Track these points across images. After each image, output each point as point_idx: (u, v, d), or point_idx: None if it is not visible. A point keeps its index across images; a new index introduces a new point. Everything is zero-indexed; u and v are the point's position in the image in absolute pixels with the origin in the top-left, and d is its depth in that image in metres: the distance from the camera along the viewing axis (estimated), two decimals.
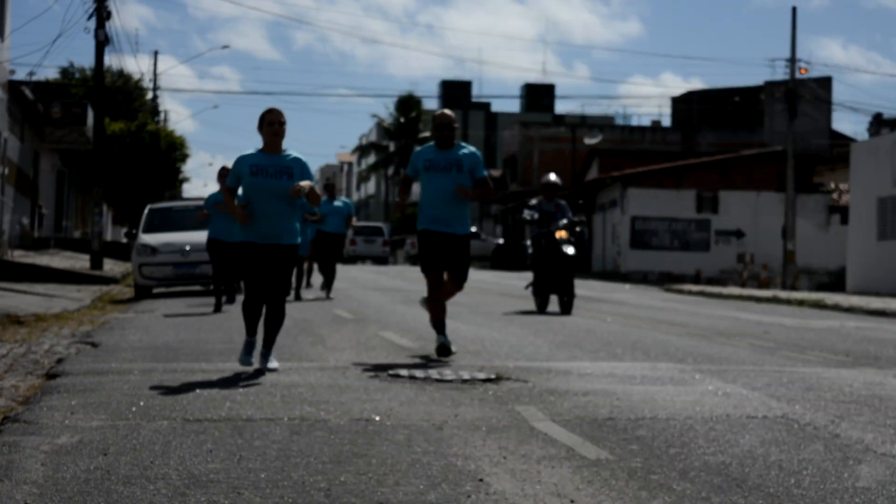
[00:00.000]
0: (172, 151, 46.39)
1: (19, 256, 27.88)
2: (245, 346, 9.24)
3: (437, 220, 10.25)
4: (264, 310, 9.20)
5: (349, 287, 23.47)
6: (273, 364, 9.09)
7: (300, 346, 11.13)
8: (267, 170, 8.90)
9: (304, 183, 8.80)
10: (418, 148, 10.59)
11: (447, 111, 10.43)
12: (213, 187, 18.81)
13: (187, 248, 20.57)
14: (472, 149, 10.41)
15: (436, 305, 10.39)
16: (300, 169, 9.01)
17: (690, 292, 29.41)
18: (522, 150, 64.85)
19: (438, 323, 10.34)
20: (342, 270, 26.94)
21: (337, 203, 20.19)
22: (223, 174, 16.41)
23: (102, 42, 30.12)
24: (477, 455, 5.85)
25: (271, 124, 8.97)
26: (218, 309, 16.13)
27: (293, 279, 19.13)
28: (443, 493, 5.00)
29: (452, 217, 10.26)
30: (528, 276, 21.60)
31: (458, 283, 10.51)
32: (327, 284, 19.96)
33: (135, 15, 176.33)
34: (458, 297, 12.85)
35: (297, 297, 19.00)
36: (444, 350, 10.20)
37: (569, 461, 5.78)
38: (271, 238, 8.96)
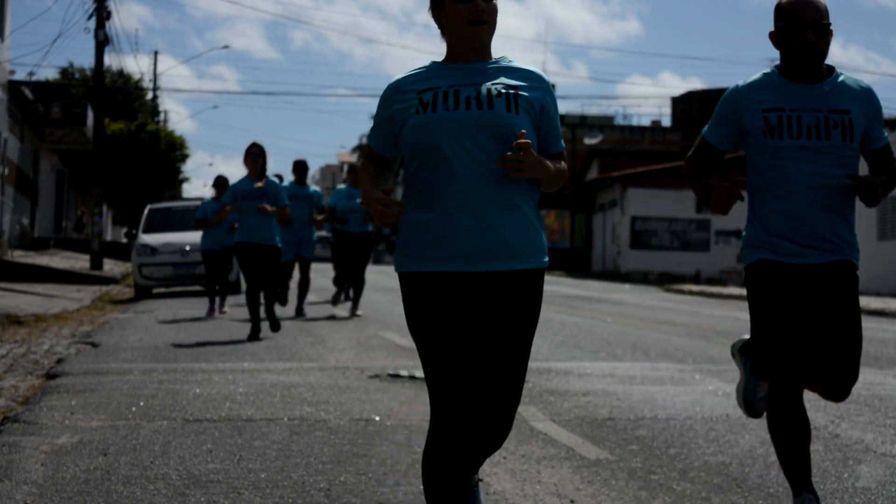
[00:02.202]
0: (172, 151, 46.41)
1: (19, 256, 27.87)
2: None
3: (801, 244, 4.57)
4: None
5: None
6: None
7: (300, 346, 11.13)
8: (458, 93, 3.78)
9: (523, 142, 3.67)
10: (741, 83, 4.68)
11: None
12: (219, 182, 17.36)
13: (187, 248, 20.56)
14: (860, 83, 4.67)
15: (790, 453, 4.54)
16: (543, 95, 3.93)
17: (690, 292, 29.40)
18: None
19: (801, 484, 4.51)
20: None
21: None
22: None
23: (102, 42, 30.12)
24: None
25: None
26: (255, 336, 11.83)
27: (286, 285, 15.62)
28: None
29: (830, 235, 4.58)
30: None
31: (840, 390, 4.66)
32: (355, 297, 15.54)
33: (133, 14, 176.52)
34: None
35: (299, 312, 15.31)
36: None
37: (569, 461, 5.78)
38: (477, 258, 3.71)
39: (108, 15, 30.34)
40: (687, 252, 42.92)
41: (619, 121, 61.98)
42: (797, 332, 4.47)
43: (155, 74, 57.40)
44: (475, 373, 3.72)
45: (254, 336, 11.76)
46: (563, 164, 3.93)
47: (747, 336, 4.83)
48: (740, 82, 4.68)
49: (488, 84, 3.79)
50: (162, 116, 58.86)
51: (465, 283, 3.73)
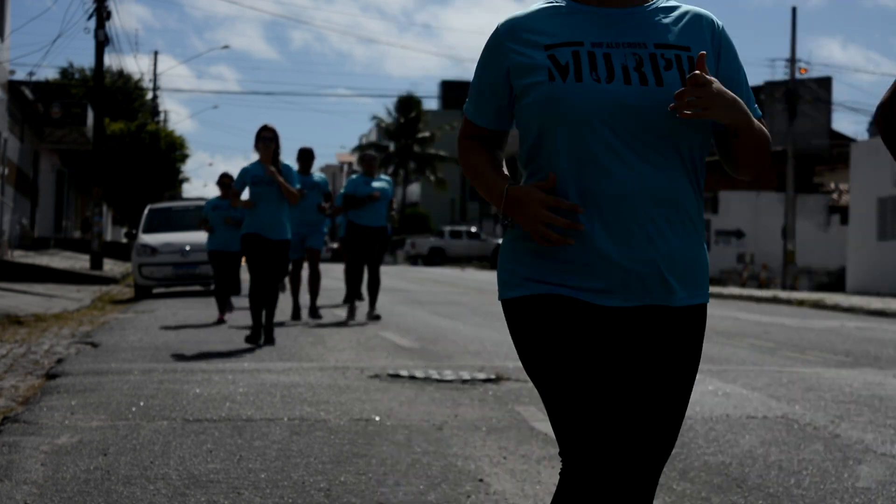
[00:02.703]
0: (172, 151, 46.41)
1: (19, 256, 27.87)
2: None
3: None
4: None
5: None
6: None
7: (300, 346, 11.13)
8: (609, 57, 2.58)
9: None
10: None
11: None
12: (214, 188, 17.14)
13: (187, 248, 20.57)
14: None
15: None
16: (718, 44, 2.68)
17: None
18: None
19: None
20: (336, 271, 25.61)
21: (377, 184, 14.14)
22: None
23: (102, 42, 30.13)
24: (477, 455, 5.85)
25: None
26: (254, 339, 11.12)
27: (285, 288, 15.39)
28: (443, 493, 5.00)
29: None
30: None
31: None
32: (371, 299, 14.63)
33: (133, 14, 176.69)
34: (458, 297, 12.64)
35: (314, 314, 14.47)
36: None
37: None
38: (632, 290, 2.59)
39: (108, 15, 30.35)
40: None
41: None
42: None
43: (155, 74, 57.45)
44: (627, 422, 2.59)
45: (253, 339, 11.09)
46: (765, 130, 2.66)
47: None
48: None
49: (651, 46, 2.59)
50: (162, 116, 58.89)
51: (617, 320, 2.60)
